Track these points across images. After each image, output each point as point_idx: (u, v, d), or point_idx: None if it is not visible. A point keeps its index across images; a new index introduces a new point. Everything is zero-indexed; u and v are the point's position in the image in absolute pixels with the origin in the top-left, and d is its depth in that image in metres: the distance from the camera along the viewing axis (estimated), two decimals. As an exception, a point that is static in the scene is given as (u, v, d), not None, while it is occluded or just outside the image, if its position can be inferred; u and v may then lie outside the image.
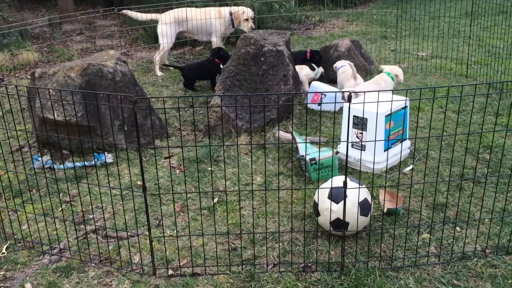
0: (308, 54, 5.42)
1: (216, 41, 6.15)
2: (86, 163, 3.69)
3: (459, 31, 7.43)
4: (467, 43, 5.92)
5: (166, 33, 5.98)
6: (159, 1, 7.56)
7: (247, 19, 6.01)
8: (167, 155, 3.86)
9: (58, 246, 2.78)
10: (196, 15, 6.04)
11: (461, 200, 3.09)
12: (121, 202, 3.09)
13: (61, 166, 3.63)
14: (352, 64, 4.86)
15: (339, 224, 2.64)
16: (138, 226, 2.94)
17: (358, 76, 4.81)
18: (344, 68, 5.00)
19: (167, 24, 5.97)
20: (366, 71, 5.69)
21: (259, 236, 2.82)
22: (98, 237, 2.87)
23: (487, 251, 2.63)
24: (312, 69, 5.33)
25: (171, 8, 6.46)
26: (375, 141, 2.47)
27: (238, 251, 2.70)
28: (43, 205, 3.13)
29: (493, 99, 4.76)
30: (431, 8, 8.67)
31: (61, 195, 3.34)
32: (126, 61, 4.17)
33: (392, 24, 8.18)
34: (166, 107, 4.78)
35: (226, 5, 6.45)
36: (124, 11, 6.23)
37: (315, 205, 2.79)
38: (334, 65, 5.26)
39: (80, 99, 3.65)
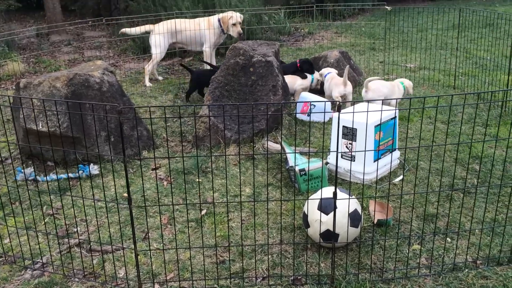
0: (298, 64, 5.40)
1: (208, 51, 6.15)
2: (71, 175, 3.62)
3: (446, 43, 7.51)
4: (455, 55, 5.99)
5: (158, 43, 5.98)
6: (148, 12, 7.55)
7: (234, 24, 6.01)
8: (154, 167, 3.80)
9: (41, 261, 2.70)
10: (188, 26, 6.05)
11: (451, 210, 3.07)
12: (106, 215, 3.02)
13: (45, 178, 3.55)
14: (342, 70, 4.91)
15: (329, 235, 2.60)
16: (123, 239, 2.86)
17: (348, 83, 4.82)
18: (331, 75, 5.02)
19: (160, 35, 5.97)
20: (355, 82, 5.70)
21: (248, 249, 2.76)
22: (82, 251, 2.79)
23: (478, 262, 2.61)
24: (304, 77, 5.30)
25: (160, 19, 6.46)
26: (365, 151, 2.44)
27: (226, 264, 2.65)
28: (25, 218, 3.05)
29: (481, 109, 4.79)
30: (418, 21, 8.78)
31: (44, 208, 3.26)
32: (113, 71, 4.13)
33: (380, 36, 8.26)
34: (156, 117, 4.74)
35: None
36: (123, 30, 6.20)
37: (305, 217, 2.75)
38: (320, 72, 5.27)
39: (65, 109, 3.59)
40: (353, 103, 3.53)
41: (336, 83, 4.88)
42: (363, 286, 2.42)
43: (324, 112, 2.18)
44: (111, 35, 9.07)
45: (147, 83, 6.07)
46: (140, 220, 3.10)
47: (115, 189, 2.58)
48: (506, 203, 3.14)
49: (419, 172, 3.57)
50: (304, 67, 5.32)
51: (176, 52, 6.94)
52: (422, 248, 2.73)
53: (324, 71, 5.21)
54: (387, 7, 6.74)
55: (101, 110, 3.77)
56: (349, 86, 4.81)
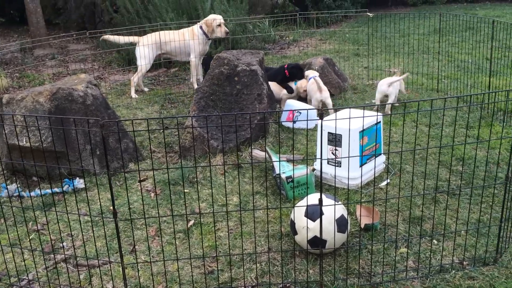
0: (286, 72, 5.30)
1: (194, 61, 6.16)
2: (56, 190, 3.59)
3: (428, 47, 7.62)
4: (437, 59, 6.08)
5: (145, 55, 5.99)
6: (133, 24, 7.56)
7: (219, 25, 6.03)
8: (141, 179, 3.79)
9: (27, 278, 2.67)
10: (173, 37, 6.08)
11: (436, 212, 3.10)
12: (92, 229, 2.99)
13: (30, 194, 3.52)
14: (317, 74, 5.15)
15: (317, 242, 2.61)
16: (110, 253, 2.84)
17: (324, 88, 4.89)
18: (312, 80, 5.08)
19: (146, 46, 5.98)
20: (340, 88, 5.76)
21: (236, 258, 2.76)
22: (69, 266, 2.76)
23: (464, 263, 2.64)
24: (290, 91, 5.29)
25: (145, 31, 6.47)
26: (348, 157, 2.47)
27: (215, 274, 2.64)
28: (10, 235, 3.02)
29: (464, 112, 4.86)
30: (401, 26, 8.89)
31: (30, 224, 3.23)
32: (97, 84, 4.12)
33: (364, 42, 8.35)
34: (140, 130, 4.73)
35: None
36: (106, 36, 6.20)
37: (292, 224, 2.76)
38: (306, 73, 5.31)
39: (49, 124, 3.57)
40: (335, 110, 3.56)
41: (313, 89, 4.96)
42: (352, 291, 2.43)
43: (307, 120, 2.20)
44: (96, 48, 9.05)
45: (133, 95, 6.06)
46: (128, 232, 3.08)
47: (100, 202, 2.57)
48: (490, 203, 3.18)
49: (404, 176, 3.61)
50: (293, 72, 5.28)
51: (162, 63, 6.94)
52: (409, 251, 2.76)
53: (310, 73, 5.26)
54: (369, 14, 6.83)
55: (85, 124, 3.75)
56: (325, 92, 4.89)
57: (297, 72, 5.29)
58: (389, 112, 4.88)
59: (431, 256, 2.70)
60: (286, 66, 5.38)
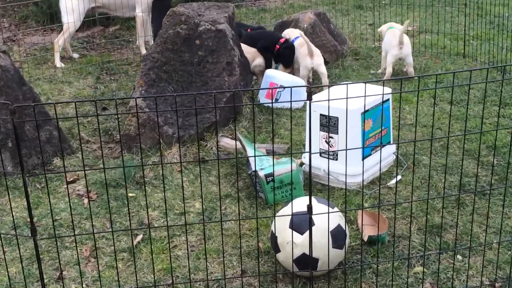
0: (277, 46, 5.16)
1: (141, 16, 6.07)
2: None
3: (453, -4, 7.70)
4: (464, 13, 6.16)
5: (72, 8, 5.85)
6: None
7: None
8: (71, 179, 3.75)
9: None
10: None
11: (461, 219, 3.17)
12: (4, 251, 2.96)
13: None
14: (302, 33, 5.11)
15: (306, 261, 2.64)
16: (29, 282, 2.82)
17: (317, 52, 4.88)
18: (299, 40, 5.01)
19: None
20: (337, 53, 5.78)
21: (199, 285, 2.78)
22: (-27, 302, 2.73)
23: (497, 284, 2.72)
24: (269, 64, 5.21)
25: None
26: (346, 149, 2.49)
27: (171, 307, 2.65)
28: None
29: (498, 85, 4.95)
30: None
31: None
32: (7, 51, 4.04)
33: (369, -10, 8.38)
34: (68, 117, 4.66)
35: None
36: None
37: (274, 238, 2.78)
38: (285, 32, 5.26)
39: None
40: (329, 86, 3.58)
41: (302, 53, 4.93)
42: (351, 326, 2.48)
43: (291, 102, 2.21)
44: (5, -2, 8.84)
45: (58, 64, 5.97)
46: (52, 253, 3.06)
47: (12, 214, 2.52)
48: (530, 206, 3.27)
49: (420, 171, 3.67)
50: (283, 53, 5.11)
51: (97, 19, 6.83)
52: (425, 270, 2.82)
53: (291, 34, 5.20)
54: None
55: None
56: (318, 57, 4.87)
57: (288, 55, 5.18)
58: (414, 74, 4.99)
59: (454, 276, 2.76)
60: (282, 40, 5.18)
